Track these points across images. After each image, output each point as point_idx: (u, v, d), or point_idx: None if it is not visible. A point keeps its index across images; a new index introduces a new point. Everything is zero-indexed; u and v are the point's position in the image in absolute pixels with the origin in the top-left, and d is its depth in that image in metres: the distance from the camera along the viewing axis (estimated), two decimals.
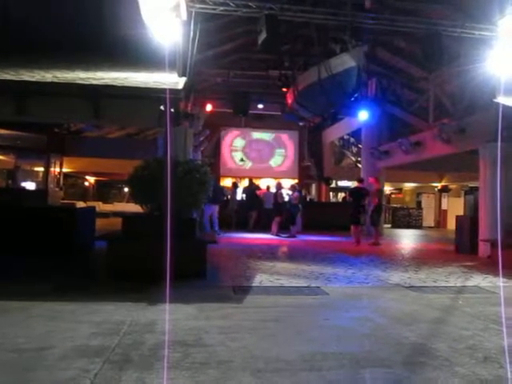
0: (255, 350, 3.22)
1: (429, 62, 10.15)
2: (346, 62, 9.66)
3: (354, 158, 24.14)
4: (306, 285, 5.75)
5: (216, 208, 12.99)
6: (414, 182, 24.17)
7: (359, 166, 19.55)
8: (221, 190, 14.00)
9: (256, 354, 3.12)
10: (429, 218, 22.03)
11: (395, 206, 23.73)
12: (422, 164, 14.93)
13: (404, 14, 9.27)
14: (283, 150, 23.07)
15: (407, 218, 20.82)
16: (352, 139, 23.04)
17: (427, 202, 22.86)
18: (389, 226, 20.10)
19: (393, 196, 28.56)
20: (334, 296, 5.18)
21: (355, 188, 12.43)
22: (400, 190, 28.01)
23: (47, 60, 8.78)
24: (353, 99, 11.56)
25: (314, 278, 6.24)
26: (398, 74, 13.67)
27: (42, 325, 3.69)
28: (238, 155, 22.50)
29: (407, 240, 14.32)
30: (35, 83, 7.00)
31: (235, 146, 22.57)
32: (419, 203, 23.57)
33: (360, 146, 19.46)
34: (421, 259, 8.85)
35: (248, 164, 22.53)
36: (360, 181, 12.48)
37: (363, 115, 14.90)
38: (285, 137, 22.87)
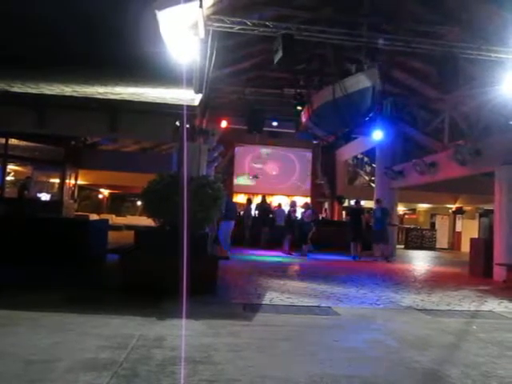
0: (264, 370, 3.18)
1: (444, 84, 10.14)
2: (361, 81, 9.67)
3: (367, 178, 24.06)
4: (316, 304, 5.69)
5: (232, 224, 12.99)
6: (428, 202, 23.94)
7: (373, 185, 19.46)
8: (234, 207, 14.01)
9: (265, 374, 3.08)
10: (442, 240, 21.74)
11: (408, 226, 23.48)
12: (437, 185, 14.81)
13: (420, 35, 9.30)
14: (296, 168, 23.08)
15: (420, 239, 20.59)
16: (366, 158, 23.01)
17: (441, 223, 22.59)
18: (402, 246, 19.87)
19: (406, 216, 28.30)
20: (344, 317, 5.11)
21: (353, 207, 14.35)
22: (414, 210, 27.76)
23: (67, 74, 8.99)
24: (367, 119, 11.53)
25: (325, 298, 6.17)
26: (414, 94, 13.65)
27: (50, 336, 3.70)
28: (251, 172, 22.55)
29: (420, 261, 14.12)
30: (54, 97, 7.16)
31: (249, 162, 22.65)
32: (433, 224, 23.30)
33: (374, 165, 19.39)
34: (434, 281, 8.71)
35: (261, 181, 22.55)
36: (357, 203, 14.50)
37: (377, 135, 14.88)
38: (298, 155, 22.89)
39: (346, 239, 13.31)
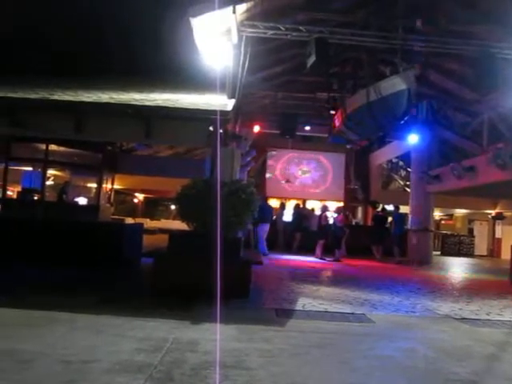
0: (296, 376, 3.15)
1: (482, 85, 9.84)
2: (396, 84, 9.51)
3: (402, 182, 23.61)
4: (350, 311, 5.60)
5: (267, 227, 13.08)
6: (465, 208, 23.23)
7: (407, 190, 19.07)
8: (270, 210, 14.05)
9: (297, 381, 3.06)
10: (481, 247, 21.04)
11: (445, 232, 22.86)
12: (475, 190, 14.35)
13: (456, 35, 9.07)
14: (329, 173, 22.88)
15: (458, 246, 20.01)
16: (401, 163, 22.59)
17: (480, 229, 21.87)
18: (438, 253, 19.36)
19: (443, 222, 27.57)
20: (379, 324, 5.01)
21: (379, 214, 15.15)
22: (451, 216, 27.01)
23: (105, 82, 9.23)
24: (402, 122, 11.33)
25: (359, 305, 6.07)
26: (450, 96, 13.33)
27: (87, 337, 3.79)
28: (283, 176, 22.50)
29: (457, 269, 13.72)
30: (92, 104, 7.36)
31: (281, 167, 22.62)
32: (471, 230, 22.60)
33: (409, 169, 19.01)
34: (472, 290, 8.43)
35: (293, 185, 22.48)
36: (383, 210, 15.58)
37: (413, 138, 14.59)
38: (331, 159, 22.69)
39: (370, 243, 14.27)
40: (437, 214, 23.93)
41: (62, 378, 2.88)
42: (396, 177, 24.32)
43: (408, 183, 19.94)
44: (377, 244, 14.13)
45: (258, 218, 12.78)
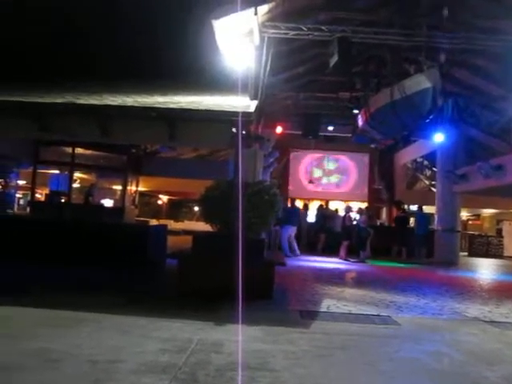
0: (321, 379, 3.12)
1: (509, 81, 9.60)
2: (420, 82, 9.36)
3: (427, 182, 23.21)
4: (375, 313, 5.52)
5: (294, 230, 13.06)
6: (493, 208, 22.70)
7: (433, 189, 18.74)
8: (297, 212, 14.00)
9: (322, 383, 3.03)
10: (510, 248, 20.48)
11: (472, 233, 22.37)
12: (504, 189, 13.99)
13: (482, 31, 8.87)
14: (353, 173, 22.68)
15: (486, 247, 19.54)
16: (426, 162, 22.21)
17: (509, 229, 21.28)
18: (465, 254, 18.94)
19: (470, 223, 26.99)
20: (405, 327, 4.93)
21: (400, 215, 15.25)
22: (478, 216, 26.42)
23: (128, 85, 9.37)
24: (427, 121, 11.14)
25: (384, 307, 5.99)
26: (477, 93, 13.04)
27: (113, 338, 3.84)
28: (306, 177, 22.41)
29: (486, 270, 13.39)
30: (117, 107, 7.48)
31: (304, 167, 22.53)
32: (499, 231, 22.03)
33: (434, 169, 18.68)
34: (502, 292, 8.22)
35: (317, 186, 22.35)
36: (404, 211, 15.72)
37: (438, 137, 14.34)
38: (355, 159, 22.48)
39: (392, 244, 14.37)
40: (464, 214, 23.44)
41: (88, 378, 2.92)
42: (421, 176, 23.91)
43: (433, 183, 19.59)
44: (399, 245, 14.13)
45: (282, 220, 12.87)
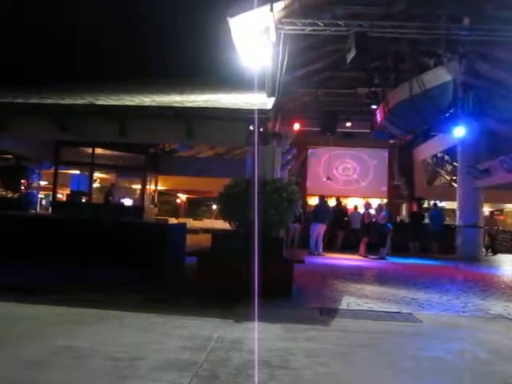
0: (343, 377, 3.09)
1: None
2: (440, 76, 9.21)
3: (448, 177, 22.85)
4: (396, 310, 5.45)
5: (324, 227, 12.97)
6: None
7: (454, 185, 18.44)
8: (326, 209, 13.76)
9: (343, 381, 3.00)
10: None
11: (496, 228, 21.90)
12: None
13: (503, 21, 8.66)
14: (372, 169, 22.45)
15: (510, 243, 19.13)
16: (446, 157, 21.86)
17: None
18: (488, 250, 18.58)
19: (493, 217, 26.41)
20: (427, 324, 4.85)
21: (415, 211, 15.68)
22: (501, 211, 25.88)
23: (146, 86, 9.44)
24: (448, 115, 10.95)
25: (406, 304, 5.91)
26: (499, 86, 12.75)
27: (136, 335, 3.87)
28: (324, 173, 22.27)
29: (510, 266, 13.11)
30: (135, 107, 7.55)
31: (322, 164, 22.40)
32: None
33: (455, 164, 18.37)
34: None
35: (335, 183, 22.20)
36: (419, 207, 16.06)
37: (459, 131, 14.09)
38: (374, 155, 22.25)
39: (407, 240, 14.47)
40: (486, 209, 22.98)
41: (112, 374, 2.95)
42: (442, 172, 23.54)
43: (454, 178, 19.27)
44: (413, 240, 14.39)
45: (311, 217, 12.80)
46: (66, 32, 10.07)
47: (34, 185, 15.23)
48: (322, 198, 14.04)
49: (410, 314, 5.31)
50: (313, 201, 20.24)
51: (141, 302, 5.20)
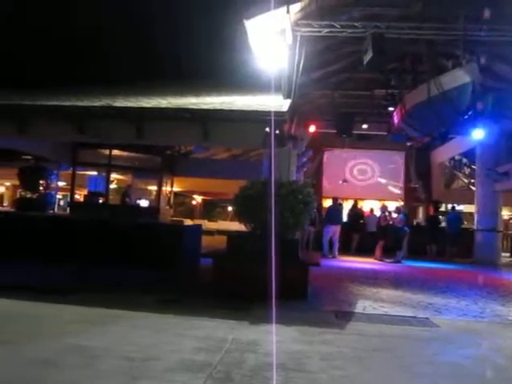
0: (358, 381, 3.07)
1: None
2: (458, 77, 9.08)
3: (466, 180, 22.50)
4: (412, 315, 5.39)
5: (338, 229, 12.93)
6: None
7: (472, 188, 18.16)
8: (339, 210, 13.76)
9: None
10: None
11: None
12: None
13: None
14: (388, 171, 22.25)
15: None
16: (464, 160, 21.53)
17: None
18: (507, 254, 18.23)
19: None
20: (444, 329, 4.78)
21: (431, 215, 15.96)
22: None
23: (163, 88, 9.51)
24: (466, 117, 10.79)
25: (422, 308, 5.84)
26: None
27: (150, 336, 3.89)
28: (340, 176, 22.14)
29: None
30: (152, 109, 7.61)
31: (338, 166, 22.27)
32: None
33: (473, 166, 18.09)
34: None
35: (351, 185, 22.05)
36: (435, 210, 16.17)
37: (478, 134, 13.86)
38: (390, 157, 22.05)
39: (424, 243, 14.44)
40: (505, 213, 22.57)
41: (126, 375, 2.97)
42: (460, 175, 23.20)
43: (473, 181, 18.96)
44: (430, 243, 14.41)
45: (324, 219, 12.73)
46: (78, 33, 10.20)
47: (53, 185, 15.41)
48: (335, 200, 14.02)
49: (427, 318, 5.24)
50: (328, 203, 20.18)
51: (156, 303, 5.23)
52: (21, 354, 3.28)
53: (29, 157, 14.72)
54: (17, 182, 15.87)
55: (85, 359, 3.22)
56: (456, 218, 14.92)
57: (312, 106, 14.82)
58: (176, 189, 21.11)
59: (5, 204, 24.49)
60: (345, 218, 15.55)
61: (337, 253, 12.84)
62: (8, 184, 24.43)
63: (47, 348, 3.42)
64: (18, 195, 17.08)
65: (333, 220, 12.93)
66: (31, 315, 4.47)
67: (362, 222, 14.84)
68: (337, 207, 13.81)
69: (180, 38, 9.99)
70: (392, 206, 16.08)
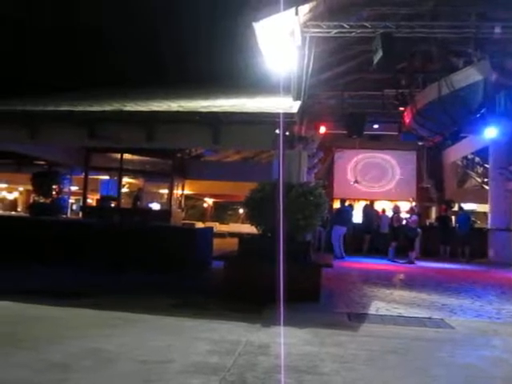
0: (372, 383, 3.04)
1: None
2: (470, 76, 9.00)
3: (479, 179, 22.26)
4: (427, 316, 5.34)
5: (344, 230, 12.88)
6: None
7: (485, 187, 17.97)
8: (348, 211, 13.69)
9: None
10: None
11: None
12: None
13: None
14: (400, 171, 22.08)
15: None
16: (477, 159, 21.31)
17: None
18: None
19: None
20: (459, 330, 4.73)
21: (442, 215, 15.86)
22: None
23: (170, 90, 9.55)
24: (478, 116, 10.68)
25: (437, 309, 5.78)
26: None
27: (163, 338, 3.90)
28: (351, 176, 22.04)
29: None
30: (162, 113, 7.65)
31: (349, 167, 22.17)
32: None
33: (486, 165, 17.90)
34: None
35: (362, 186, 21.93)
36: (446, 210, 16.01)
37: (490, 132, 13.71)
38: (401, 157, 21.88)
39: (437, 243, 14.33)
40: None
41: (140, 377, 2.99)
42: (472, 174, 22.95)
43: (486, 180, 18.76)
44: (441, 244, 14.32)
45: (332, 220, 12.68)
46: (82, 35, 10.26)
47: (65, 190, 15.58)
48: (343, 202, 14.02)
49: (441, 319, 5.19)
50: (339, 205, 20.08)
51: (169, 306, 5.24)
52: (35, 357, 3.31)
53: (42, 162, 14.90)
54: (30, 187, 16.06)
55: (100, 362, 3.24)
56: (465, 217, 14.67)
57: (322, 107, 14.79)
58: (187, 192, 21.20)
59: (19, 209, 24.81)
60: (357, 219, 15.50)
61: (344, 254, 12.76)
62: (21, 189, 24.75)
63: (64, 352, 3.44)
64: (31, 200, 17.28)
65: (341, 221, 12.85)
66: (48, 318, 4.51)
67: (375, 222, 14.74)
68: (346, 208, 13.77)
69: (187, 40, 10.02)
70: (404, 206, 15.95)
